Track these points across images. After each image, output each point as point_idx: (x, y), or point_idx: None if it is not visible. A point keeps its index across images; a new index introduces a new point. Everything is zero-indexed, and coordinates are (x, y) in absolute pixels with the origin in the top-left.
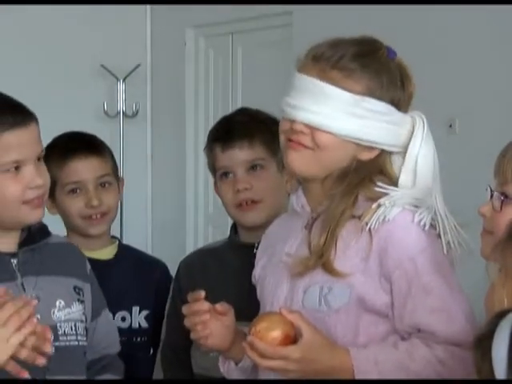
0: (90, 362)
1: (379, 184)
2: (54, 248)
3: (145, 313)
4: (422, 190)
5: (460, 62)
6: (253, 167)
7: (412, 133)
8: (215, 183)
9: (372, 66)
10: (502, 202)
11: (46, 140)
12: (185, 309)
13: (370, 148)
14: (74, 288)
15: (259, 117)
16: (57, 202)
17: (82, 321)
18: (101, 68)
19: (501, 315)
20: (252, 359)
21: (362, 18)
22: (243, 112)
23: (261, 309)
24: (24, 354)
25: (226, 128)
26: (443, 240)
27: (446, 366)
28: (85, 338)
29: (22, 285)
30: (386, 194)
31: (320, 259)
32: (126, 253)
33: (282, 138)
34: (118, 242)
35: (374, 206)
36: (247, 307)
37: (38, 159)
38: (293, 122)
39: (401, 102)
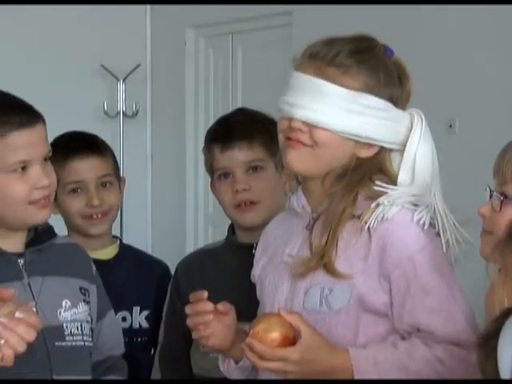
0: (94, 363)
1: (378, 183)
2: (60, 249)
3: (145, 313)
4: (420, 188)
5: (460, 62)
6: (252, 168)
7: (410, 130)
8: (212, 183)
9: (369, 63)
10: (502, 202)
11: None
12: (188, 309)
13: (369, 145)
14: (80, 289)
15: (258, 117)
16: (58, 202)
17: (87, 321)
18: (101, 68)
19: (506, 314)
20: (251, 361)
21: (362, 18)
22: (242, 112)
23: (260, 309)
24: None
25: (225, 128)
26: (442, 238)
27: (445, 366)
28: (91, 339)
29: (29, 285)
30: (385, 193)
31: (321, 260)
32: (126, 253)
33: (280, 137)
34: (119, 242)
35: (373, 205)
36: (246, 307)
37: (45, 159)
38: (291, 120)
39: (399, 99)
